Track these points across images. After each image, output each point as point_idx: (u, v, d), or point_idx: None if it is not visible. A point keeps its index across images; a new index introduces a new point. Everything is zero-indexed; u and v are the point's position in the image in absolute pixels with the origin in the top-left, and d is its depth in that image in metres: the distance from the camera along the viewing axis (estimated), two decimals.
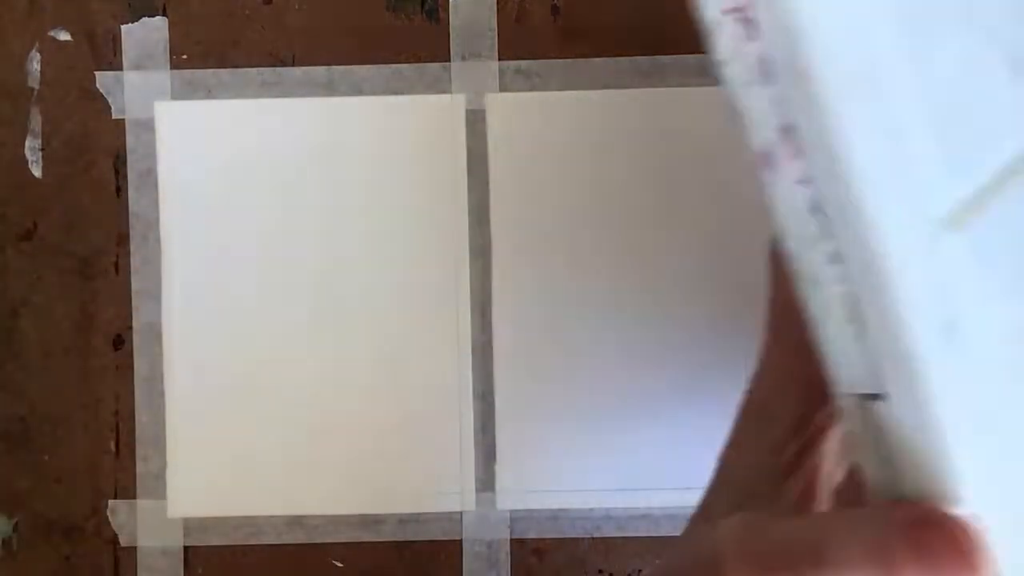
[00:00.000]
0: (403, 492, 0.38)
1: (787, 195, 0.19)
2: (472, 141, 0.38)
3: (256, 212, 0.38)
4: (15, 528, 0.38)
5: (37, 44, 0.38)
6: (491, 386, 0.38)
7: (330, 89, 0.38)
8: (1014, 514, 0.20)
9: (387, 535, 0.38)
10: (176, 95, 0.38)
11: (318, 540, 0.38)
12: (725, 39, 0.18)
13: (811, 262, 0.19)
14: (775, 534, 0.20)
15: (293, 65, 0.38)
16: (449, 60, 0.38)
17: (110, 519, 0.38)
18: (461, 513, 0.38)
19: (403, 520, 0.38)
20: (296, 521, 0.38)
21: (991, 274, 0.20)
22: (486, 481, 0.38)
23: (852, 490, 0.25)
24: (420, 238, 0.38)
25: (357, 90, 0.38)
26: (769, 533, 0.21)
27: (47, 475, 0.38)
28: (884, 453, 0.20)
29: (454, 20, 0.38)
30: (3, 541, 0.38)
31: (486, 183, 0.38)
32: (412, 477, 0.38)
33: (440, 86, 0.38)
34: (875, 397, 0.19)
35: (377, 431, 0.38)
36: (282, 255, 0.38)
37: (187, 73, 0.38)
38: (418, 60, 0.38)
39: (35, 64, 0.38)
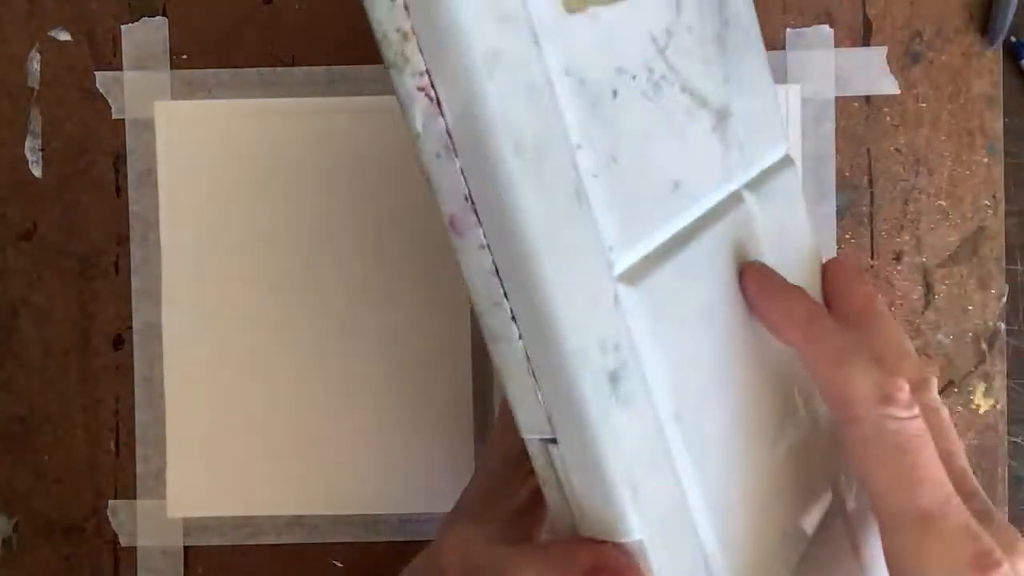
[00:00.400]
0: (403, 492, 0.38)
1: (473, 259, 0.21)
2: None
3: (256, 211, 0.38)
4: (15, 528, 0.38)
5: (37, 44, 0.38)
6: (490, 386, 0.38)
7: (330, 89, 0.38)
8: (669, 538, 0.22)
9: (387, 535, 0.38)
10: (176, 95, 0.38)
11: (318, 540, 0.38)
12: (417, 115, 0.20)
13: (494, 320, 0.21)
14: (480, 557, 0.23)
15: (293, 65, 0.38)
16: None
17: (110, 519, 0.38)
18: None
19: (403, 520, 0.38)
20: (296, 521, 0.38)
21: (655, 328, 0.22)
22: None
23: None
24: (421, 237, 0.38)
25: (357, 90, 0.38)
26: (476, 555, 0.23)
27: (47, 475, 0.38)
28: (563, 491, 0.22)
29: None
30: (3, 541, 0.38)
31: None
32: (412, 477, 0.38)
33: None
34: (551, 441, 0.22)
35: (377, 431, 0.38)
36: (282, 254, 0.38)
37: (187, 73, 0.38)
38: None
39: (35, 64, 0.38)
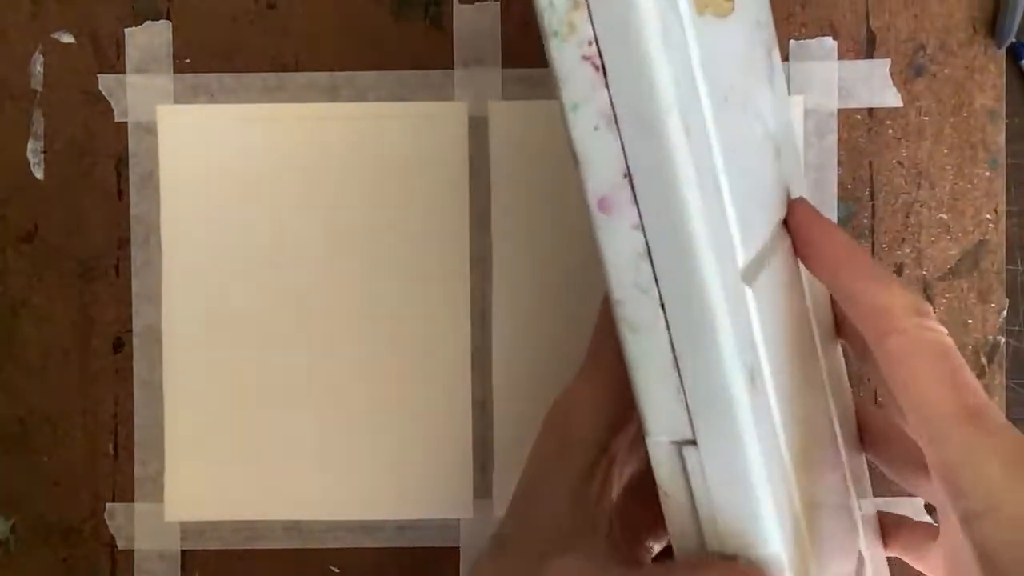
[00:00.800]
0: (401, 498, 0.38)
1: (621, 240, 0.20)
2: (474, 148, 0.38)
3: (257, 216, 0.38)
4: (12, 530, 0.38)
5: (40, 46, 0.38)
6: (489, 393, 0.38)
7: (333, 94, 0.38)
8: (795, 551, 0.21)
9: (385, 541, 0.38)
10: (179, 98, 0.38)
11: (316, 545, 0.38)
12: (577, 85, 0.19)
13: (637, 308, 0.20)
14: None
15: (296, 70, 0.38)
16: (452, 67, 0.38)
17: (107, 522, 0.38)
18: (459, 520, 0.38)
19: (401, 526, 0.38)
20: (294, 526, 0.38)
21: (765, 324, 0.21)
22: (483, 488, 0.38)
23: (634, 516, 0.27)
24: (421, 244, 0.38)
25: (360, 96, 0.38)
26: None
27: (45, 477, 0.38)
28: (692, 500, 0.21)
29: (458, 27, 0.38)
30: (1, 542, 0.38)
31: (487, 190, 0.38)
32: (410, 483, 0.38)
33: (443, 93, 0.38)
34: (688, 443, 0.20)
35: (375, 437, 0.38)
36: (282, 259, 0.38)
37: (190, 77, 0.38)
38: (421, 67, 0.38)
39: (38, 66, 0.38)
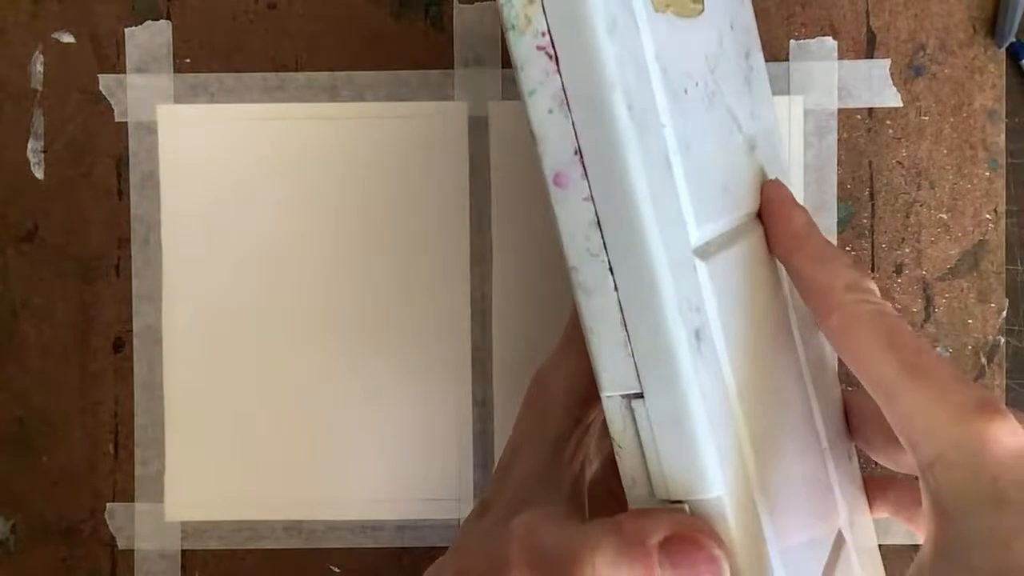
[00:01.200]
0: (401, 499, 0.38)
1: (574, 211, 0.22)
2: (474, 148, 0.38)
3: (257, 216, 0.38)
4: (13, 529, 0.38)
5: (41, 46, 0.38)
6: (490, 392, 0.38)
7: (333, 94, 0.38)
8: (742, 494, 0.23)
9: (385, 541, 0.38)
10: (179, 98, 0.38)
11: (316, 545, 0.38)
12: (533, 72, 0.22)
13: (589, 273, 0.22)
14: (550, 538, 0.23)
15: (296, 70, 0.38)
16: (452, 67, 0.38)
17: (108, 522, 0.38)
18: (459, 520, 0.38)
19: (401, 527, 0.38)
20: (294, 526, 0.38)
21: (722, 298, 0.23)
22: (484, 488, 0.38)
23: (607, 484, 0.28)
24: (421, 244, 0.38)
25: (360, 96, 0.38)
26: (546, 536, 0.23)
27: (45, 477, 0.38)
28: (642, 450, 0.23)
29: (458, 27, 0.38)
30: (1, 542, 0.38)
31: (487, 190, 0.38)
32: (410, 484, 0.38)
33: (443, 93, 0.38)
34: (636, 396, 0.22)
35: (376, 437, 0.38)
36: (282, 259, 0.38)
37: (190, 77, 0.38)
38: (421, 66, 0.38)
39: (38, 66, 0.38)
